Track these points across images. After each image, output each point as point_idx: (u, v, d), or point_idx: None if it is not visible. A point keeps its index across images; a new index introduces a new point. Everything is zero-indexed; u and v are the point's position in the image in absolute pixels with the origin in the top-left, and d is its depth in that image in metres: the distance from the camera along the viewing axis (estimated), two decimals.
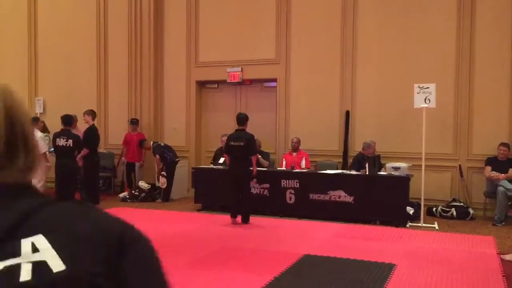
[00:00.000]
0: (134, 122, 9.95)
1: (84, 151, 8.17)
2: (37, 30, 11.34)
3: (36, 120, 8.33)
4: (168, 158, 9.33)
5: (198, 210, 8.38)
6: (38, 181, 7.90)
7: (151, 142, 9.61)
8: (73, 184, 8.15)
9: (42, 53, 11.31)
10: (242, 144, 6.98)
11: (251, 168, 7.18)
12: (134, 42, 10.30)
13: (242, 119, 7.23)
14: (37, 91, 11.38)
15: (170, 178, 9.36)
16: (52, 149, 8.22)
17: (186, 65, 10.22)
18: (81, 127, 8.99)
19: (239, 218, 7.13)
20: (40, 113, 11.04)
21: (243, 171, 7.11)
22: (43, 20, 11.29)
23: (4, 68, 11.67)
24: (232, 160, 7.18)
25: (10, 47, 11.57)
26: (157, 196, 9.38)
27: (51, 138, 8.30)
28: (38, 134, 7.90)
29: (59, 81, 11.05)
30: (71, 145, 7.84)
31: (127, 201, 9.24)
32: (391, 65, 8.73)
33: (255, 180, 7.65)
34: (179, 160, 9.62)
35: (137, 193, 9.36)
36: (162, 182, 9.26)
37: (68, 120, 8.04)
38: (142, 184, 9.51)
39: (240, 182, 7.13)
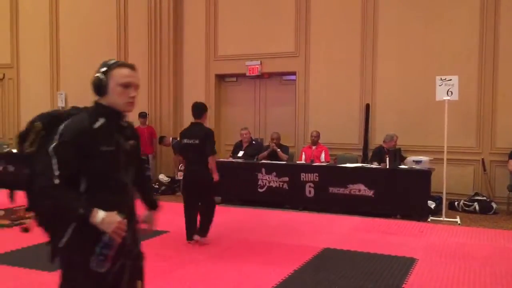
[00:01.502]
0: (143, 116, 10.05)
1: None
2: (58, 26, 11.48)
3: None
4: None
5: (218, 203, 8.40)
6: None
7: (171, 138, 9.66)
8: None
9: (63, 49, 11.46)
10: (197, 141, 5.43)
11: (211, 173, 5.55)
12: (153, 36, 10.35)
13: (198, 110, 5.61)
14: (59, 86, 11.55)
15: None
16: None
17: (205, 59, 10.24)
18: None
19: (197, 237, 5.51)
20: (62, 107, 11.20)
21: (202, 177, 5.49)
22: (64, 16, 11.42)
23: (27, 63, 11.87)
24: (187, 162, 5.70)
25: (32, 43, 11.75)
26: (177, 189, 9.45)
27: None
28: None
29: (80, 75, 11.15)
30: None
31: None
32: (412, 57, 8.61)
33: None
34: None
35: (157, 186, 9.44)
36: (181, 175, 9.31)
37: None
38: (162, 177, 9.59)
39: (199, 191, 5.55)
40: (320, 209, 7.68)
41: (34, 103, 11.59)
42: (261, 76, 9.93)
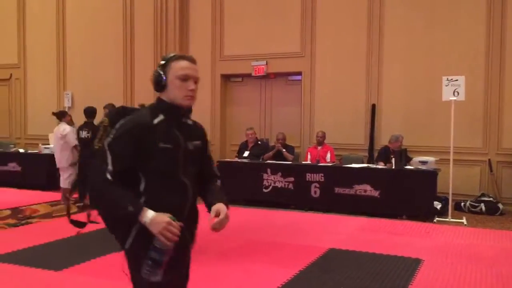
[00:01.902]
0: None
1: None
2: (65, 26, 11.54)
3: (64, 113, 8.48)
4: None
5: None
6: (68, 175, 8.09)
7: None
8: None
9: (70, 49, 11.51)
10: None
11: None
12: (159, 36, 10.38)
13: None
14: (65, 86, 11.60)
15: None
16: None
17: (211, 59, 10.25)
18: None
19: None
20: (68, 107, 11.25)
21: None
22: (71, 16, 11.47)
23: (34, 63, 11.94)
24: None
25: (39, 43, 11.81)
26: None
27: (76, 131, 8.46)
28: (68, 127, 8.07)
29: (87, 75, 11.23)
30: (91, 137, 7.85)
31: None
32: (418, 57, 8.58)
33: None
34: None
35: None
36: None
37: (91, 113, 8.03)
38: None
39: None
40: (325, 209, 7.67)
41: (40, 103, 11.66)
42: (266, 76, 9.93)
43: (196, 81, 2.06)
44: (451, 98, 7.08)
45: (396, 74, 8.77)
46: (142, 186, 1.98)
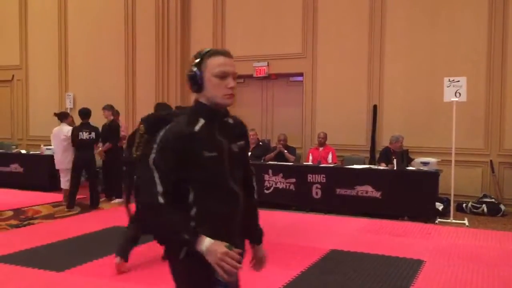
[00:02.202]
0: None
1: (108, 145, 8.30)
2: (67, 27, 11.56)
3: (66, 115, 8.48)
4: None
5: None
6: (67, 180, 8.09)
7: None
8: (96, 175, 8.23)
9: (72, 50, 11.53)
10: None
11: None
12: (161, 37, 10.39)
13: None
14: (67, 87, 11.62)
15: None
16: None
17: None
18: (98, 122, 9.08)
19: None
20: (70, 108, 11.25)
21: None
22: (73, 17, 11.50)
23: (36, 65, 11.97)
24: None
25: (41, 45, 11.84)
26: None
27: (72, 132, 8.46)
28: (68, 128, 8.08)
29: (89, 77, 11.26)
30: (94, 138, 7.96)
31: None
32: (419, 58, 8.58)
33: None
34: None
35: None
36: None
37: (87, 114, 8.02)
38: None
39: None
40: (327, 210, 7.67)
41: (42, 104, 11.69)
42: (268, 77, 9.94)
43: (234, 77, 1.92)
44: (452, 99, 7.08)
45: (397, 75, 8.76)
46: (191, 197, 1.87)
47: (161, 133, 1.86)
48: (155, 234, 1.97)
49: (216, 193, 1.88)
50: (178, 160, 1.81)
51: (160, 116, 2.05)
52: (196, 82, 1.90)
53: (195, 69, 1.90)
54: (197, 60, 1.91)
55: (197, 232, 1.78)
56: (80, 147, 7.91)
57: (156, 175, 1.81)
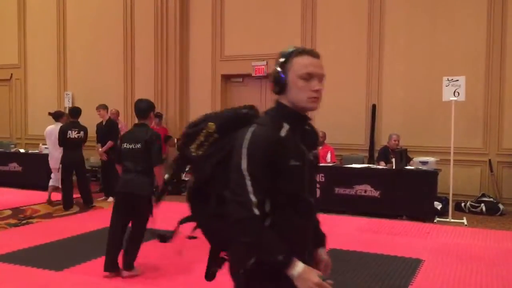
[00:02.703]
0: (158, 116, 10.05)
1: (109, 144, 8.30)
2: (65, 26, 11.54)
3: (61, 114, 8.45)
4: None
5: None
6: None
7: (175, 139, 9.65)
8: (85, 174, 8.16)
9: (71, 49, 11.51)
10: (139, 146, 4.39)
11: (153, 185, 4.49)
12: (160, 37, 10.38)
13: (142, 109, 4.58)
14: (66, 86, 11.60)
15: None
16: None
17: (211, 59, 10.25)
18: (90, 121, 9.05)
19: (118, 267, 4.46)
20: (69, 107, 11.24)
21: (139, 192, 4.36)
22: (71, 16, 11.48)
23: (35, 64, 11.95)
24: (125, 171, 4.47)
25: (40, 44, 11.82)
26: (183, 189, 9.45)
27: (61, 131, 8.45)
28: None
29: (87, 76, 11.24)
30: (82, 137, 7.85)
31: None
32: (418, 57, 8.58)
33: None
34: None
35: None
36: (187, 175, 9.34)
37: (77, 113, 7.96)
38: (167, 177, 9.58)
39: (134, 209, 4.45)
40: (326, 209, 7.65)
41: (41, 103, 11.67)
42: (267, 77, 9.93)
43: (321, 79, 1.77)
44: (451, 99, 7.08)
45: (396, 74, 8.77)
46: (267, 207, 1.71)
47: (248, 136, 1.70)
48: (235, 250, 1.80)
49: (293, 204, 1.75)
50: (268, 168, 1.67)
51: (235, 114, 1.87)
52: (279, 83, 1.77)
53: (279, 69, 1.77)
54: (282, 60, 1.77)
55: (291, 254, 1.64)
56: (68, 146, 7.77)
57: (248, 183, 1.65)
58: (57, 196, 8.24)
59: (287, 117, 1.77)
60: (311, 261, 1.91)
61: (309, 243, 1.88)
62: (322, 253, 2.06)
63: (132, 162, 4.35)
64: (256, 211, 1.64)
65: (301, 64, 1.74)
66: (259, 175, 1.66)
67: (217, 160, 1.78)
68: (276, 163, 1.68)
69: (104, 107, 8.60)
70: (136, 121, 4.71)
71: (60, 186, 8.11)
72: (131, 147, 4.39)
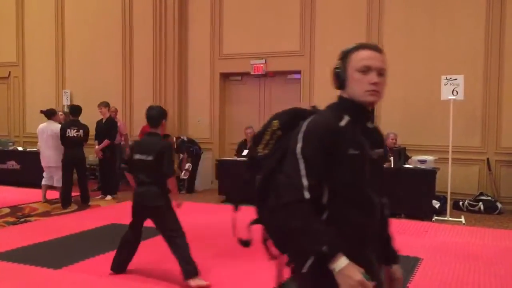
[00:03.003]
0: None
1: (105, 142, 8.30)
2: (64, 24, 11.51)
3: (53, 112, 8.41)
4: (194, 151, 9.51)
5: (222, 202, 8.43)
6: (50, 177, 8.08)
7: (174, 138, 9.64)
8: (85, 172, 8.15)
9: (69, 47, 11.49)
10: (151, 158, 4.23)
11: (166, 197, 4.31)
12: (158, 35, 10.36)
13: (154, 118, 4.42)
14: (64, 84, 11.58)
15: (194, 170, 9.47)
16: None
17: (210, 57, 10.24)
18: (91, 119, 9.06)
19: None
20: (67, 105, 11.23)
21: (154, 203, 4.24)
22: (70, 14, 11.45)
23: (33, 62, 11.92)
24: (138, 184, 4.34)
25: (38, 42, 11.79)
26: (181, 187, 9.46)
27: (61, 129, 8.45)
28: (58, 126, 8.08)
29: (86, 74, 11.22)
30: (82, 136, 7.81)
31: None
32: (417, 56, 8.58)
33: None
34: (202, 152, 9.72)
35: None
36: (186, 174, 9.37)
37: (77, 111, 7.97)
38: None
39: (154, 221, 4.32)
40: None
41: (39, 101, 11.63)
42: (265, 75, 9.94)
43: (381, 72, 1.73)
44: (450, 97, 7.09)
45: (395, 73, 8.75)
46: (325, 199, 1.68)
47: (305, 123, 1.71)
48: (281, 236, 1.76)
49: (353, 198, 1.71)
50: (324, 155, 1.64)
51: (298, 110, 1.91)
52: (338, 78, 1.78)
53: (339, 64, 1.79)
54: (342, 55, 1.80)
55: (338, 246, 1.58)
56: (68, 144, 7.78)
57: (302, 166, 1.63)
58: (52, 194, 8.24)
59: (348, 109, 1.76)
60: (381, 269, 1.88)
61: (373, 244, 1.80)
62: (398, 271, 2.00)
63: (144, 174, 4.26)
64: (307, 195, 1.61)
65: (358, 57, 1.74)
66: (313, 159, 1.63)
67: (279, 157, 1.76)
68: (334, 151, 1.66)
69: (105, 104, 8.61)
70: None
71: (53, 184, 8.11)
72: (142, 158, 4.26)
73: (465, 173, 8.20)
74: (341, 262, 1.56)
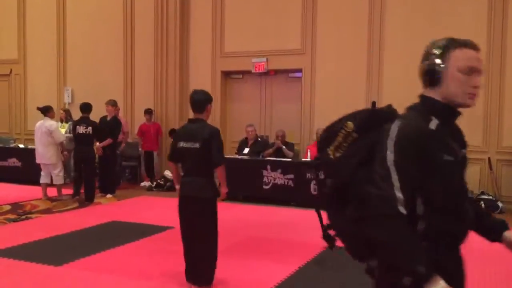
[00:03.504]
0: (148, 112, 10.07)
1: (108, 141, 8.32)
2: (65, 21, 11.51)
3: (49, 109, 8.41)
4: None
5: (223, 200, 8.41)
6: (58, 170, 8.12)
7: None
8: (92, 170, 8.23)
9: (70, 44, 11.49)
10: (197, 146, 3.90)
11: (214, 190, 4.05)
12: (160, 33, 10.36)
13: (199, 102, 4.09)
14: (65, 81, 11.59)
15: None
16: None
17: (211, 55, 10.24)
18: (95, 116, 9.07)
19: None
20: (69, 103, 11.24)
21: (202, 195, 3.94)
22: (71, 11, 11.45)
23: (34, 59, 11.92)
24: (184, 174, 4.06)
25: (40, 39, 11.79)
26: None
27: (71, 126, 8.64)
28: (54, 123, 8.11)
29: (87, 71, 11.22)
30: (91, 132, 7.98)
31: (153, 190, 9.36)
32: (419, 54, 8.41)
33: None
34: None
35: (162, 183, 9.47)
36: None
37: (87, 108, 8.11)
38: (168, 173, 9.62)
39: (195, 217, 3.93)
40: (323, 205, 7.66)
41: (41, 98, 11.63)
42: (267, 73, 9.93)
43: (480, 74, 1.66)
44: None
45: (396, 71, 8.76)
46: (420, 209, 1.58)
47: (393, 129, 1.59)
48: (363, 246, 1.63)
49: (448, 207, 1.59)
50: (418, 163, 1.53)
51: (375, 111, 1.80)
52: (434, 75, 1.64)
53: (438, 60, 1.65)
54: (438, 51, 1.67)
55: (432, 267, 1.48)
56: (77, 141, 8.11)
57: (395, 177, 1.50)
58: (51, 192, 8.25)
59: (436, 111, 1.64)
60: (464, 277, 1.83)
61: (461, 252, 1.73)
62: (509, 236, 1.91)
63: (190, 163, 3.93)
64: (402, 210, 1.49)
65: (463, 56, 1.63)
66: (408, 170, 1.52)
67: (357, 161, 1.65)
68: (428, 158, 1.54)
69: (113, 103, 8.69)
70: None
71: (54, 182, 8.16)
72: (188, 146, 3.91)
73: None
74: (440, 286, 1.46)
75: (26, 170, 9.72)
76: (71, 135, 8.64)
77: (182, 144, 3.97)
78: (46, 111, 8.28)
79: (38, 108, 8.40)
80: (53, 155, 8.01)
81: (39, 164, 8.24)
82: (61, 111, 10.26)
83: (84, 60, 11.24)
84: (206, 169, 3.94)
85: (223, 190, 4.10)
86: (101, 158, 8.51)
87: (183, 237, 3.98)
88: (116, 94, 10.26)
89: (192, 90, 4.25)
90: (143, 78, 10.65)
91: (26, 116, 12.10)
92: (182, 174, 4.07)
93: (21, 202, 7.88)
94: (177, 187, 4.10)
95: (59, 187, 8.17)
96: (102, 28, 11.02)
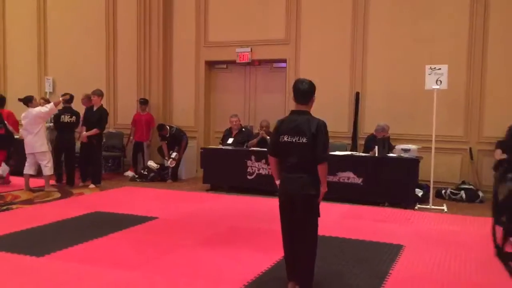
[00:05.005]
0: (143, 102, 9.97)
1: (95, 131, 8.33)
2: (46, 10, 11.31)
3: (30, 98, 8.31)
4: (185, 139, 9.55)
5: (207, 190, 8.42)
6: (47, 161, 8.03)
7: (168, 128, 9.51)
8: (74, 158, 8.66)
9: (51, 34, 11.30)
10: (304, 140, 3.59)
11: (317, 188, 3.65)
12: (143, 22, 10.24)
13: (305, 92, 3.76)
14: (46, 71, 11.42)
15: (180, 158, 9.47)
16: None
17: (195, 45, 10.16)
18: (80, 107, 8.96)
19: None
20: (50, 92, 11.08)
21: (308, 191, 3.62)
22: (52, 1, 11.24)
23: (15, 48, 11.71)
24: (286, 170, 3.73)
25: (20, 28, 11.58)
26: (166, 176, 9.42)
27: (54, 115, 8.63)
28: (36, 108, 8.05)
29: (69, 60, 11.06)
30: (74, 121, 8.54)
31: (136, 180, 9.30)
32: (402, 46, 8.62)
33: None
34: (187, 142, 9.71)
35: (146, 173, 9.41)
36: (172, 162, 9.32)
37: (71, 99, 8.56)
38: (151, 164, 9.56)
39: (297, 213, 3.71)
40: None
41: (21, 88, 11.42)
42: (251, 63, 9.89)
43: None
44: (433, 87, 7.14)
45: (380, 62, 8.80)
46: None
47: None
48: None
49: None
50: None
51: None
52: None
53: None
54: None
55: None
56: (61, 129, 8.50)
57: None
58: (35, 183, 8.16)
59: None
60: None
61: None
62: None
63: (295, 158, 3.62)
64: None
65: None
66: None
67: None
68: None
69: (99, 93, 8.70)
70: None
71: (45, 174, 8.07)
72: (293, 140, 3.61)
73: (448, 162, 8.30)
74: None
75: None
76: (52, 124, 8.81)
77: (286, 138, 3.66)
78: (28, 101, 8.19)
79: (20, 100, 8.29)
80: (43, 144, 8.05)
81: (24, 154, 8.16)
82: (42, 100, 10.08)
83: (65, 49, 11.08)
84: (312, 165, 3.61)
85: (322, 189, 3.68)
86: (85, 147, 8.47)
87: (285, 236, 3.80)
88: (98, 84, 10.10)
89: (296, 79, 3.92)
90: (125, 68, 10.53)
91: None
92: (281, 170, 3.77)
93: (2, 193, 7.76)
94: (277, 182, 3.86)
95: (47, 178, 8.06)
96: (83, 17, 10.85)
